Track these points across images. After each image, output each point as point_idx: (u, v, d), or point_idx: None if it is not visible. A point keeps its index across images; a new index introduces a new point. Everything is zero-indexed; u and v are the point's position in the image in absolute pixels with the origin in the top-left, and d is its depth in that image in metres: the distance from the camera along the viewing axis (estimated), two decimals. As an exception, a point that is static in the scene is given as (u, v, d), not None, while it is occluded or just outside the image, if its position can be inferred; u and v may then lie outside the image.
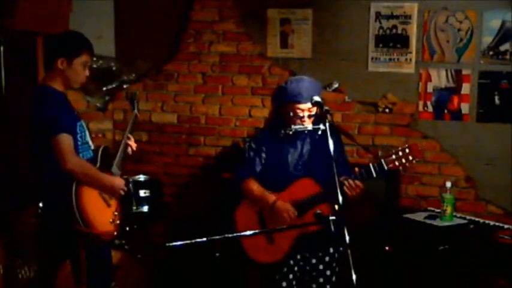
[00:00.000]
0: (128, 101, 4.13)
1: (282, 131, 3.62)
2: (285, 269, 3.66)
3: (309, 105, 3.55)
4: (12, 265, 4.37)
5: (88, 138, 3.68)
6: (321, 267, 3.70)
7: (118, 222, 3.68)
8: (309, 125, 3.58)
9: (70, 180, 3.45)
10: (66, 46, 3.56)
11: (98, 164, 3.65)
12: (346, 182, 3.46)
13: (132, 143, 3.87)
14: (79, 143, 3.58)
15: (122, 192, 3.71)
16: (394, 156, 3.48)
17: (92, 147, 3.72)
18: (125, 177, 3.92)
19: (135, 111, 4.05)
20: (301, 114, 3.57)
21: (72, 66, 3.53)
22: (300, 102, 3.55)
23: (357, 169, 3.52)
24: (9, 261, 4.36)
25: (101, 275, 3.78)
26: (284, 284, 3.66)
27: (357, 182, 3.48)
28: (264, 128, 3.85)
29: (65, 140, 3.43)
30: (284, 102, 3.61)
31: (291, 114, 3.58)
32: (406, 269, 4.04)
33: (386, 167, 3.47)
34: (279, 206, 3.58)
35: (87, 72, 3.61)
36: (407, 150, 3.47)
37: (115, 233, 3.66)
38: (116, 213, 3.67)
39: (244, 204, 3.74)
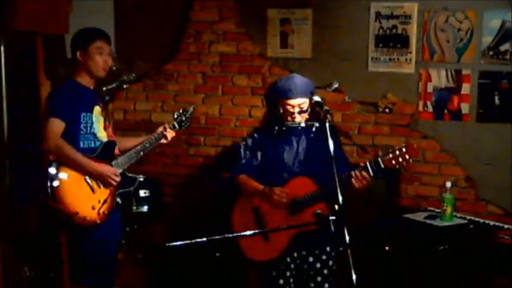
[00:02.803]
0: (180, 112, 4.12)
1: (276, 128, 3.64)
2: (282, 267, 3.67)
3: (299, 101, 3.59)
4: (12, 265, 4.38)
5: (96, 130, 3.76)
6: (318, 265, 3.71)
7: (104, 211, 3.71)
8: (300, 121, 3.61)
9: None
10: (79, 38, 3.80)
11: (95, 154, 3.73)
12: (353, 173, 3.48)
13: (171, 133, 4.02)
14: (81, 132, 3.71)
15: (112, 182, 3.73)
16: (391, 155, 3.49)
17: (103, 139, 3.79)
18: (134, 176, 3.94)
19: (175, 122, 4.07)
20: (291, 110, 3.61)
21: (88, 54, 3.73)
22: (289, 98, 3.59)
23: (362, 164, 3.55)
24: (9, 261, 4.36)
25: (82, 263, 3.77)
26: (281, 281, 3.67)
27: (364, 174, 3.49)
28: (260, 127, 3.88)
29: (53, 124, 3.62)
30: (275, 98, 3.66)
31: (281, 110, 3.61)
32: (406, 269, 4.04)
33: (382, 165, 3.49)
34: (268, 190, 3.62)
35: (105, 58, 3.79)
36: (404, 150, 3.49)
37: (98, 221, 3.68)
38: (102, 201, 3.70)
39: (239, 202, 3.76)
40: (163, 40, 5.43)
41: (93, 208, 3.67)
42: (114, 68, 5.35)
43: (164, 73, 5.44)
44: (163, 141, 4.03)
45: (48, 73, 4.82)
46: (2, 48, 4.48)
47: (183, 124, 4.10)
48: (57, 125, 3.62)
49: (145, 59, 5.48)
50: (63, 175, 3.61)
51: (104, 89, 5.40)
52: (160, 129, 4.03)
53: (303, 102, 3.59)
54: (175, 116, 4.10)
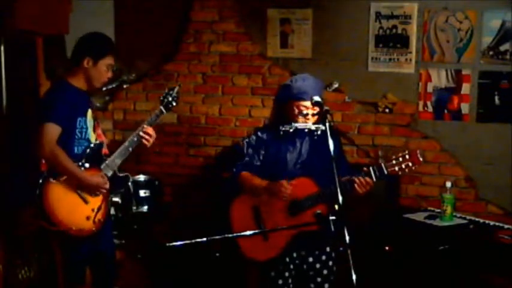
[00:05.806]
0: (166, 93, 3.96)
1: (282, 128, 3.63)
2: (281, 267, 3.67)
3: None
4: (12, 265, 4.37)
5: (90, 136, 3.69)
6: (317, 266, 3.70)
7: (100, 219, 3.66)
8: (311, 123, 3.60)
9: (44, 173, 3.55)
10: (94, 46, 3.69)
11: (84, 159, 3.65)
12: (356, 180, 3.48)
13: (150, 132, 3.81)
14: (76, 137, 3.63)
15: (103, 191, 3.67)
16: (394, 162, 3.50)
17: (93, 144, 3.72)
18: (125, 175, 3.88)
19: (162, 107, 3.91)
20: (305, 112, 3.58)
21: (97, 66, 3.66)
22: (305, 100, 3.56)
23: (365, 169, 3.54)
24: (9, 261, 4.35)
25: (76, 273, 3.74)
26: (280, 281, 3.66)
27: (367, 179, 3.49)
28: (265, 126, 3.86)
29: (49, 129, 3.51)
30: (289, 99, 3.62)
31: (296, 111, 3.59)
32: (406, 269, 4.04)
33: (386, 172, 3.49)
34: (272, 183, 3.59)
35: (110, 74, 3.73)
36: (407, 157, 3.50)
37: (94, 229, 3.63)
38: (95, 209, 3.65)
39: (239, 200, 3.74)
40: (163, 40, 5.43)
41: (88, 218, 3.62)
42: (114, 68, 5.36)
43: (164, 73, 5.44)
44: (145, 142, 3.82)
45: (48, 73, 4.83)
46: (2, 48, 4.48)
47: (170, 106, 3.94)
48: (53, 131, 3.51)
49: (145, 59, 5.48)
50: (52, 193, 3.53)
51: (104, 89, 5.41)
52: (139, 129, 3.85)
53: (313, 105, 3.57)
54: (161, 98, 3.94)
